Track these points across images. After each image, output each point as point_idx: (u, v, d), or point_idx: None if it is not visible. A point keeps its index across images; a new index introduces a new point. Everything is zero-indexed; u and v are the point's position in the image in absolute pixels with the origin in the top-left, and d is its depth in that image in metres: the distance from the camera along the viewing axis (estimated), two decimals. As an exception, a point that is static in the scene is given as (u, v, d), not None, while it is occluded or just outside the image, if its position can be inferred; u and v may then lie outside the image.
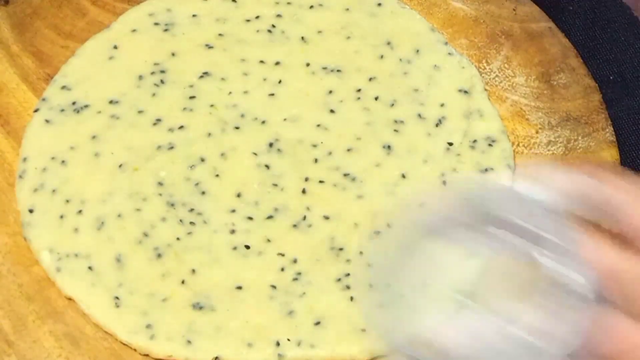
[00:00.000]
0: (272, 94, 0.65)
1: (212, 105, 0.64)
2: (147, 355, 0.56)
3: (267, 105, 0.65)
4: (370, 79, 0.66)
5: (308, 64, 0.66)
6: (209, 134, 0.63)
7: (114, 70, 0.66)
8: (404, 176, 0.62)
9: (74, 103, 0.64)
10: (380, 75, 0.66)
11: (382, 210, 0.61)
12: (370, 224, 0.60)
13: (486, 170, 0.62)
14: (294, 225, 0.60)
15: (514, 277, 0.42)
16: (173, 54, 0.67)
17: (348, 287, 0.58)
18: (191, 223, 0.60)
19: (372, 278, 0.43)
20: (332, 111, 0.64)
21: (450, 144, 0.63)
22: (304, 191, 0.61)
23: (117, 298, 0.57)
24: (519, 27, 0.69)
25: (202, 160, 0.62)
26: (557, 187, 0.42)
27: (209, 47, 0.67)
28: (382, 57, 0.67)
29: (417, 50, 0.67)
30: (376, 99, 0.65)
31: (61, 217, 0.60)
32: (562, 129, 0.64)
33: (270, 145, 0.63)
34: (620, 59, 0.73)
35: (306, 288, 0.58)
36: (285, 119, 0.64)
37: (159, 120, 0.64)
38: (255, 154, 0.63)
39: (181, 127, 0.64)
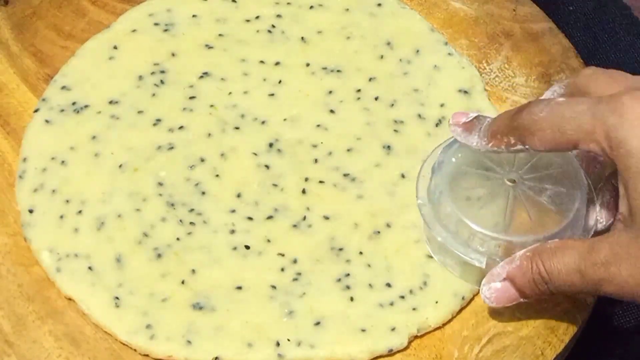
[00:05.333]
0: (272, 94, 0.65)
1: (212, 106, 0.64)
2: (147, 355, 0.56)
3: (267, 106, 0.65)
4: (370, 79, 0.66)
5: (308, 64, 0.66)
6: (209, 134, 0.63)
7: (114, 71, 0.66)
8: (403, 176, 0.62)
9: (74, 103, 0.64)
10: (380, 76, 0.66)
11: (381, 210, 0.61)
12: (369, 224, 0.60)
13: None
14: (294, 226, 0.60)
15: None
16: (173, 54, 0.67)
17: (348, 288, 0.58)
18: (191, 223, 0.60)
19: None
20: (332, 111, 0.64)
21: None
22: (304, 191, 0.61)
23: (117, 298, 0.57)
24: (519, 28, 0.69)
25: (202, 160, 0.62)
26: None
27: (209, 47, 0.67)
28: (382, 57, 0.67)
29: (417, 51, 0.67)
30: (376, 99, 0.65)
31: (61, 217, 0.60)
32: (562, 129, 0.64)
33: (270, 145, 0.63)
34: (620, 59, 0.73)
35: (306, 288, 0.58)
36: (285, 119, 0.64)
37: (159, 120, 0.64)
38: (255, 154, 0.63)
39: (181, 127, 0.64)
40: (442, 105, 0.65)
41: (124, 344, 0.56)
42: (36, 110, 0.64)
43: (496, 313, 0.57)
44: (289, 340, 0.56)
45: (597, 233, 0.57)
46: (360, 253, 0.59)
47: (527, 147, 0.54)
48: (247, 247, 0.59)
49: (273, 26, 0.68)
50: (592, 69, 0.55)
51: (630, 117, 0.50)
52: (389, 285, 0.58)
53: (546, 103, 0.53)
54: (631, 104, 0.50)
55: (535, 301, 0.57)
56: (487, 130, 0.56)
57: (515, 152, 0.55)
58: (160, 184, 0.61)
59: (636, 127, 0.50)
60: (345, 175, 0.62)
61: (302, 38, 0.68)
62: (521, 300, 0.55)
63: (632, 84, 0.53)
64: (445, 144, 0.59)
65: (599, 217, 0.57)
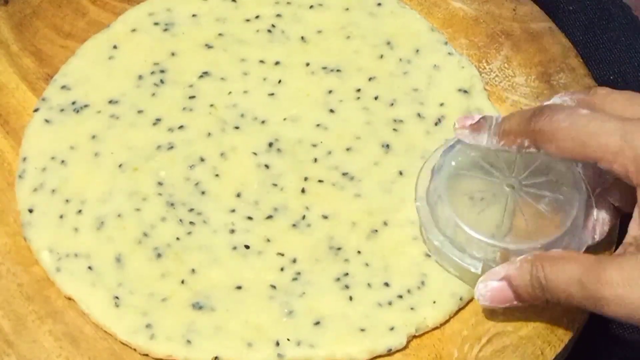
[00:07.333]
0: (272, 94, 0.65)
1: (212, 105, 0.64)
2: (146, 355, 0.56)
3: (267, 105, 0.65)
4: (370, 79, 0.66)
5: (308, 64, 0.66)
6: (209, 134, 0.63)
7: (114, 70, 0.66)
8: (401, 173, 0.62)
9: (73, 103, 0.64)
10: (380, 75, 0.66)
11: (378, 208, 0.61)
12: (366, 223, 0.60)
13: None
14: (294, 225, 0.60)
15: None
16: (173, 54, 0.67)
17: (347, 287, 0.58)
18: (191, 223, 0.60)
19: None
20: (331, 111, 0.64)
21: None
22: (303, 191, 0.61)
23: (116, 298, 0.57)
24: (519, 27, 0.69)
25: (202, 160, 0.62)
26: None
27: (209, 47, 0.67)
28: (381, 56, 0.67)
29: (417, 50, 0.67)
30: (376, 98, 0.65)
31: (61, 217, 0.60)
32: (561, 128, 0.64)
33: (270, 145, 0.63)
34: (620, 59, 0.73)
35: (305, 288, 0.58)
36: (285, 119, 0.64)
37: (158, 120, 0.64)
38: (255, 153, 0.63)
39: (181, 127, 0.64)
40: (441, 104, 0.65)
41: (123, 344, 0.56)
42: (36, 110, 0.64)
43: (496, 313, 0.57)
44: (288, 340, 0.56)
45: (591, 246, 0.57)
46: (359, 252, 0.59)
47: (539, 150, 0.54)
48: (247, 247, 0.59)
49: (273, 26, 0.68)
50: (605, 89, 0.55)
51: None
52: (387, 284, 0.58)
53: (569, 112, 0.52)
54: None
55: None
56: (498, 128, 0.56)
57: (524, 153, 0.55)
58: (160, 184, 0.61)
59: None
60: (344, 174, 0.62)
61: (302, 38, 0.68)
62: (514, 303, 0.55)
63: None
64: (446, 146, 0.59)
65: (595, 230, 0.57)
